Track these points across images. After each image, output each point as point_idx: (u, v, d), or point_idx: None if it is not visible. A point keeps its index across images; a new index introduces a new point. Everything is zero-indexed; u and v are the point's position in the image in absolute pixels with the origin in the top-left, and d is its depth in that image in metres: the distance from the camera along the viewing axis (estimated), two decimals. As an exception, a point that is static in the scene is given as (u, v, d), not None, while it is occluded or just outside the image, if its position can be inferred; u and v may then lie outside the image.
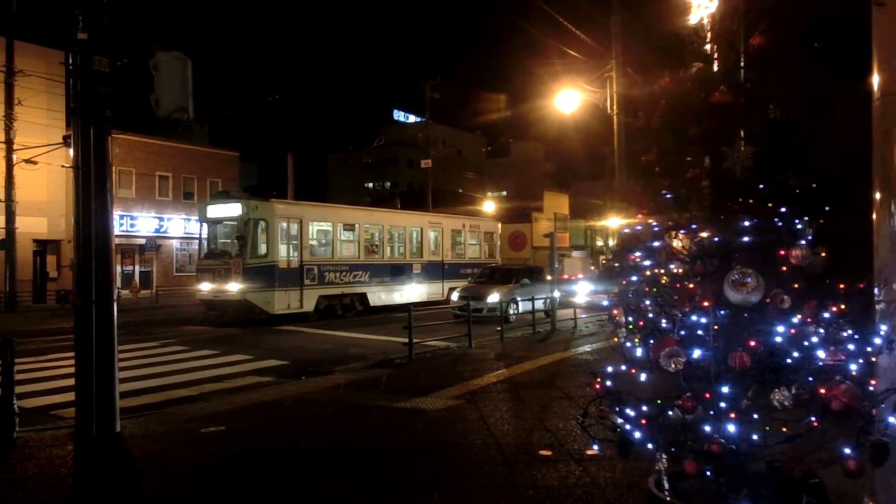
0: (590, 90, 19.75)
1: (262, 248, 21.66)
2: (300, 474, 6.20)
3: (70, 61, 7.76)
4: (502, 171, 72.48)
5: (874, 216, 4.52)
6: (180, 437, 7.65)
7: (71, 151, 7.89)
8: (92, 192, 7.69)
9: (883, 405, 3.54)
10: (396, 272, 26.53)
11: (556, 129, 41.30)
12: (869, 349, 3.70)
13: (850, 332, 3.72)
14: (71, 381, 8.02)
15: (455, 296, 23.13)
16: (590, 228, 56.74)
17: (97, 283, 7.69)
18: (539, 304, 20.02)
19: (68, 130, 8.11)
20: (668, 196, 4.22)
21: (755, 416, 3.60)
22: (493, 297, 21.25)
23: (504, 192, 64.30)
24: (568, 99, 20.19)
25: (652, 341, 3.91)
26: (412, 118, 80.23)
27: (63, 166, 26.77)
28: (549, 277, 24.63)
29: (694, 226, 4.02)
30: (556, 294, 19.49)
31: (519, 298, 21.76)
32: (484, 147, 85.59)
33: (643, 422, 3.84)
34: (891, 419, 3.52)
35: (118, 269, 33.02)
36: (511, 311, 21.22)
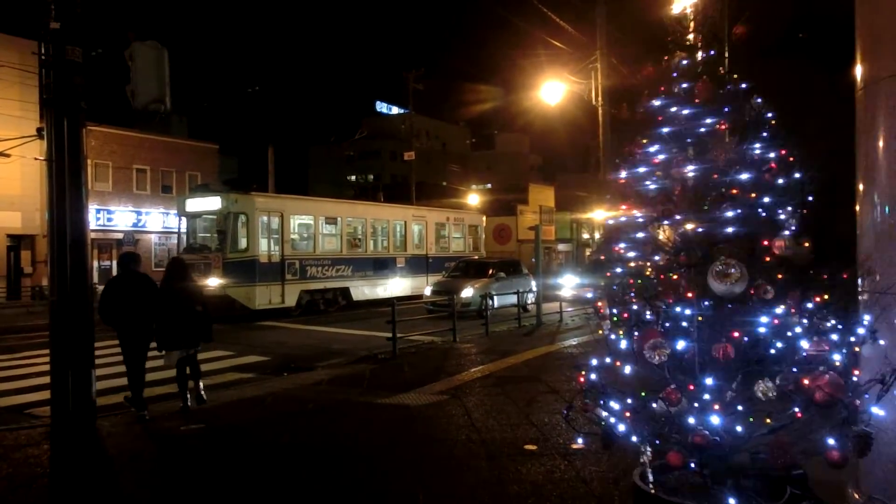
0: (575, 81, 19.80)
1: (243, 243, 21.55)
2: (282, 472, 6.19)
3: (43, 51, 7.68)
4: (487, 164, 72.54)
5: (857, 207, 4.58)
6: (159, 435, 7.62)
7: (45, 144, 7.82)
8: (66, 185, 7.63)
9: (866, 395, 3.59)
10: (380, 266, 26.49)
11: (542, 121, 41.35)
12: (852, 339, 3.75)
13: (833, 322, 3.77)
14: (46, 379, 7.96)
15: (428, 290, 23.10)
16: (575, 221, 56.86)
17: (73, 278, 7.63)
18: (516, 299, 19.94)
19: (42, 122, 8.01)
20: (653, 187, 4.25)
21: (739, 407, 3.63)
22: (467, 292, 21.23)
23: (489, 185, 64.29)
24: (553, 90, 20.22)
25: (636, 333, 3.94)
26: (395, 110, 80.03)
27: (37, 159, 26.46)
28: (525, 271, 24.75)
29: (678, 217, 4.05)
30: (534, 286, 19.45)
31: (495, 293, 21.71)
32: (468, 139, 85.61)
33: (627, 414, 3.87)
34: (874, 409, 3.57)
35: (95, 264, 32.72)
36: (486, 306, 20.69)
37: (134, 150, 36.29)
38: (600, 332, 4.32)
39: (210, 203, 21.94)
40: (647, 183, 4.27)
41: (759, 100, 4.08)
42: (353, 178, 78.59)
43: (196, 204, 22.49)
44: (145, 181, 36.95)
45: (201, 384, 8.94)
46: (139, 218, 36.27)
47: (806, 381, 3.46)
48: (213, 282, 20.63)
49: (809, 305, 3.76)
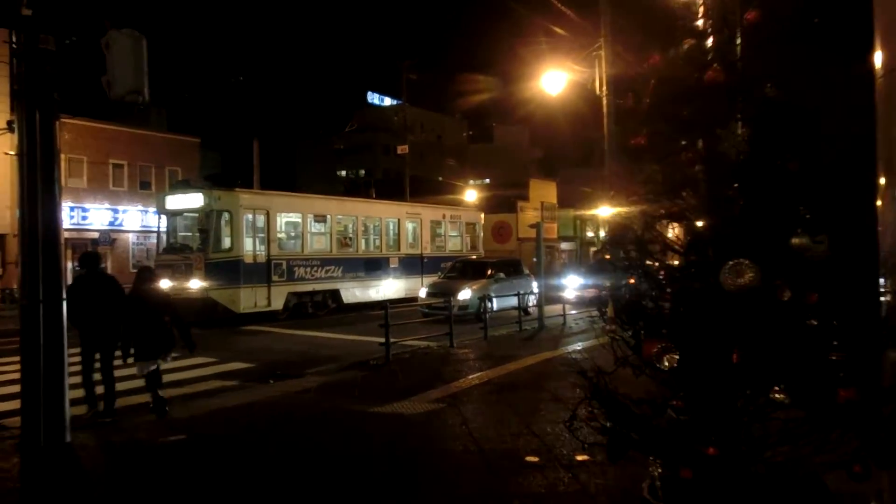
0: (577, 70, 19.76)
1: (226, 242, 21.51)
2: (268, 486, 6.17)
3: (13, 40, 7.63)
4: (485, 158, 72.47)
5: (879, 202, 4.56)
6: (137, 447, 7.59)
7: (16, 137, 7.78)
8: (38, 181, 7.59)
9: (891, 403, 3.58)
10: (372, 267, 26.47)
11: (543, 112, 41.33)
12: (875, 343, 3.74)
13: (853, 324, 3.76)
14: (16, 388, 7.92)
15: (423, 292, 23.08)
16: (579, 218, 56.88)
17: (45, 280, 7.59)
18: (517, 301, 19.93)
19: (13, 115, 7.98)
20: (660, 182, 4.23)
21: (754, 415, 3.62)
22: (465, 294, 21.22)
23: (487, 180, 64.26)
24: (554, 80, 20.17)
25: (644, 337, 3.93)
26: (388, 101, 79.95)
27: (7, 154, 26.40)
28: (526, 271, 24.72)
29: (687, 213, 4.04)
30: (535, 287, 19.45)
31: (494, 295, 21.70)
32: (465, 132, 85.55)
33: (635, 424, 3.86)
34: (898, 417, 3.55)
35: (68, 265, 32.61)
36: (485, 309, 20.57)
37: (110, 145, 36.21)
38: (606, 336, 4.31)
39: (191, 200, 21.89)
40: (655, 178, 4.26)
41: (773, 88, 4.07)
42: (344, 173, 78.57)
43: (176, 201, 22.45)
44: (122, 177, 36.88)
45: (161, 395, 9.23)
46: (116, 216, 36.20)
47: (826, 388, 3.45)
48: (195, 284, 20.59)
49: (828, 306, 3.75)
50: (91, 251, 9.45)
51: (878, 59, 4.55)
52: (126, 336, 8.95)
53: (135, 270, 36.62)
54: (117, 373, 9.16)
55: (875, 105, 4.59)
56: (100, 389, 8.97)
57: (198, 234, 21.71)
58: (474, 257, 28.91)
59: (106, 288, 9.05)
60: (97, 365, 9.01)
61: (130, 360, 9.08)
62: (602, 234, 50.67)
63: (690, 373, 3.74)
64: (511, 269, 24.25)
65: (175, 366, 13.19)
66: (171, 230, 22.94)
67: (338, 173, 77.23)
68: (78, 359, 8.93)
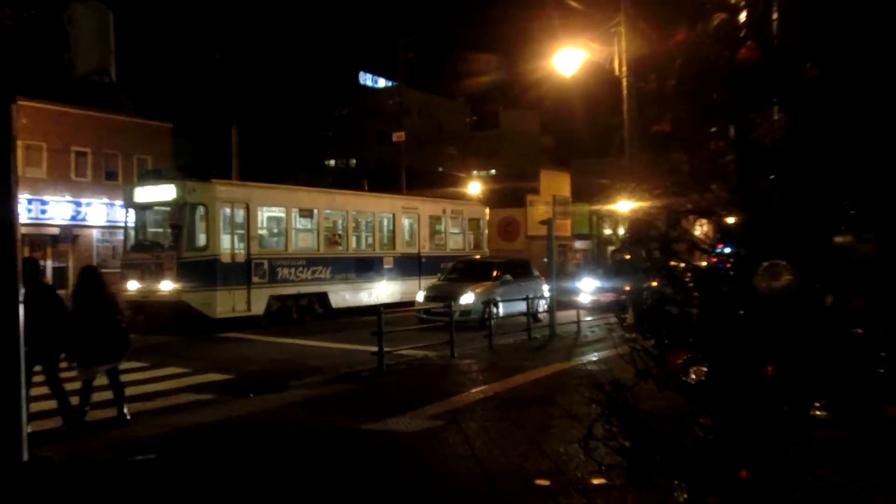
0: (594, 48, 19.77)
1: (201, 240, 21.53)
2: (247, 511, 6.18)
3: (-36, 13, 7.62)
4: (490, 146, 72.54)
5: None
6: (102, 468, 7.60)
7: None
8: (-9, 171, 7.58)
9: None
10: (363, 267, 26.48)
11: (555, 95, 41.35)
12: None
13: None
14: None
15: (421, 296, 23.08)
16: (596, 214, 56.88)
17: (-2, 281, 7.58)
18: (525, 306, 19.92)
19: (-37, 97, 7.97)
20: (687, 174, 4.22)
21: (793, 434, 3.61)
22: (467, 298, 21.23)
23: (493, 171, 64.33)
24: (568, 59, 20.17)
25: (669, 347, 3.92)
26: (382, 82, 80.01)
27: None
28: (535, 273, 24.72)
29: (717, 208, 4.03)
30: (546, 290, 19.46)
31: (500, 299, 21.69)
32: (468, 117, 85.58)
33: (658, 443, 3.84)
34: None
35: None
36: (489, 314, 20.30)
37: (73, 130, 36.22)
38: (626, 345, 4.30)
39: (162, 192, 21.91)
40: (681, 168, 4.25)
41: (816, 68, 4.05)
42: (333, 163, 78.62)
43: (146, 193, 22.46)
44: (86, 166, 36.87)
45: (125, 407, 9.61)
46: (78, 210, 36.19)
47: (873, 404, 3.44)
48: (166, 286, 20.62)
49: (875, 313, 3.73)
50: (28, 258, 9.54)
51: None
52: (70, 341, 9.24)
53: (101, 271, 36.65)
54: (67, 385, 9.29)
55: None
56: (54, 404, 9.12)
57: (169, 231, 21.74)
58: (478, 257, 28.94)
59: (42, 298, 9.14)
60: (37, 379, 9.25)
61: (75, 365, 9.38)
62: (621, 231, 50.71)
63: (720, 387, 3.72)
64: (519, 270, 24.26)
65: (144, 377, 13.22)
66: (140, 226, 22.96)
67: (326, 163, 77.27)
68: (37, 369, 8.97)
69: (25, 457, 7.63)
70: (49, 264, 35.20)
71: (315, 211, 25.19)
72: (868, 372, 3.62)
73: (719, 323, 3.82)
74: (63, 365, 9.34)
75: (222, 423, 9.41)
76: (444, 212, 31.16)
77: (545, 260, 21.34)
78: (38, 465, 7.55)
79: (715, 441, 3.65)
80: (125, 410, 9.57)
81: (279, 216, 24.25)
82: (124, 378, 12.83)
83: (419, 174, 50.20)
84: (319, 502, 6.41)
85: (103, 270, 32.95)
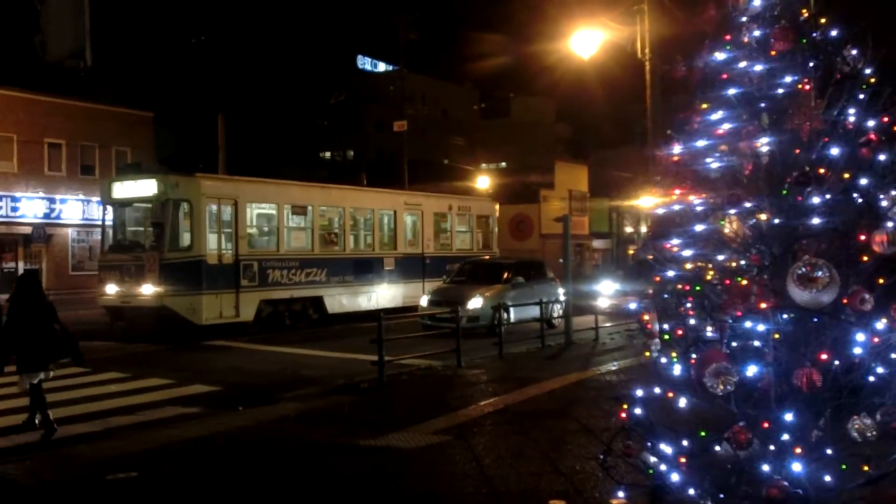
0: (615, 28, 19.77)
1: (185, 239, 21.52)
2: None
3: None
4: (501, 136, 72.50)
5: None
6: (79, 486, 7.62)
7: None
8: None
9: None
10: (362, 269, 26.46)
11: (571, 80, 41.35)
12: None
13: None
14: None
15: (424, 300, 23.02)
16: (615, 210, 56.87)
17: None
18: (539, 312, 19.90)
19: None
20: (716, 166, 4.23)
21: (828, 451, 3.62)
22: (475, 303, 21.17)
23: (503, 164, 64.31)
24: (586, 40, 20.16)
25: (694, 356, 3.93)
26: (382, 67, 79.98)
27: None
28: (550, 275, 24.68)
29: (748, 204, 4.03)
30: (561, 294, 19.38)
31: (511, 304, 21.63)
32: (476, 104, 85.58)
33: (683, 460, 3.86)
34: None
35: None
36: (499, 320, 19.28)
37: (45, 120, 36.26)
38: (647, 354, 4.31)
39: (143, 188, 21.90)
40: (709, 160, 4.26)
41: (855, 51, 4.05)
42: (328, 155, 78.63)
43: (125, 189, 22.46)
44: (60, 159, 36.94)
45: (50, 413, 9.93)
46: (52, 206, 36.29)
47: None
48: (148, 289, 20.60)
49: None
50: None
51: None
52: (4, 347, 9.73)
53: (77, 273, 36.65)
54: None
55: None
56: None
57: (151, 230, 21.72)
58: (487, 258, 28.90)
59: None
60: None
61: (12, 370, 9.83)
62: (643, 229, 50.62)
63: (749, 398, 3.74)
64: (532, 272, 24.20)
65: (124, 388, 13.25)
66: (119, 224, 22.96)
67: (321, 155, 77.26)
68: (7, 379, 9.08)
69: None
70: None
71: (309, 208, 25.16)
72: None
73: (749, 329, 3.84)
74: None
75: (209, 439, 9.41)
76: (450, 208, 31.11)
77: (560, 261, 21.28)
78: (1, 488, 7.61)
79: (744, 457, 3.67)
80: (37, 420, 9.85)
81: (270, 213, 24.23)
82: (104, 390, 12.92)
83: (423, 167, 50.18)
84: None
85: (79, 273, 32.72)
